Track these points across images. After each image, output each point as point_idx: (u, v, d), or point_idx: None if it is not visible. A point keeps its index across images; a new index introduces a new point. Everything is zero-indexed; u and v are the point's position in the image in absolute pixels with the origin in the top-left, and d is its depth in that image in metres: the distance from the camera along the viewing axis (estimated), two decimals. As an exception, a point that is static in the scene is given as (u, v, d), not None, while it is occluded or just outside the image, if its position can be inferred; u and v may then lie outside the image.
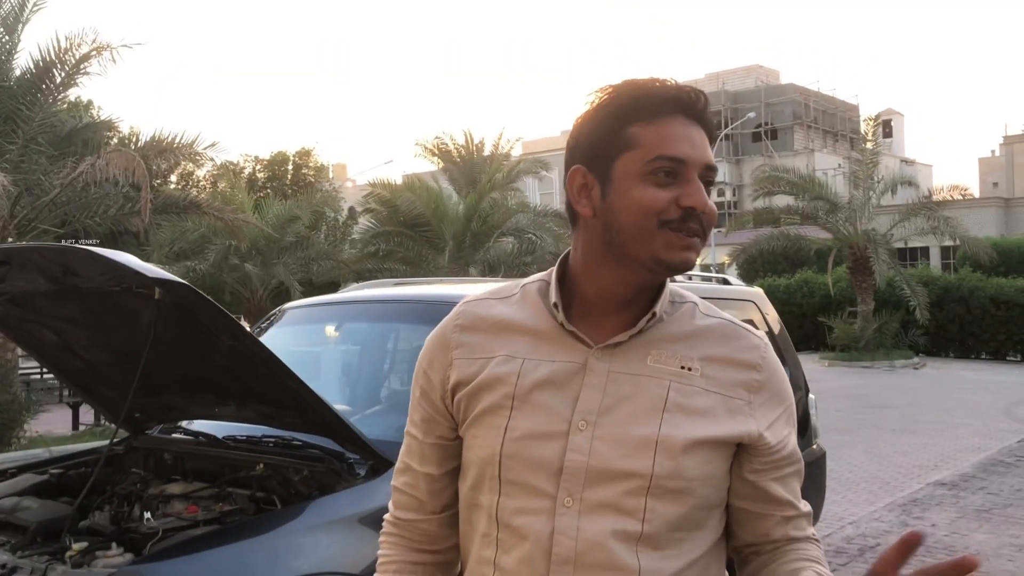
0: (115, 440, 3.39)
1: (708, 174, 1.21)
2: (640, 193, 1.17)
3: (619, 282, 1.22)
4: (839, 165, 32.09)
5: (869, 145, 22.36)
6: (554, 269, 1.28)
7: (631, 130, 1.19)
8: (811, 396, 4.70)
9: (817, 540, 1.30)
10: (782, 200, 21.96)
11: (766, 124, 47.96)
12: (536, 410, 1.19)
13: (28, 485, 3.08)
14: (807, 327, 22.20)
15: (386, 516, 1.40)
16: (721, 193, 45.11)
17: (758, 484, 1.24)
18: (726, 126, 43.02)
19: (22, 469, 3.33)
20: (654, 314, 1.21)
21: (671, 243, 1.17)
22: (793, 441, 1.26)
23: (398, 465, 1.38)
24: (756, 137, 48.66)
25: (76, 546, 2.40)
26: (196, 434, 3.35)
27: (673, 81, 1.22)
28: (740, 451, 1.22)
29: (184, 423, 3.43)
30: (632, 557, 1.14)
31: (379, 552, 1.38)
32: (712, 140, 1.24)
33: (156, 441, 3.38)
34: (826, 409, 4.49)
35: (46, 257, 2.67)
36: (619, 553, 1.14)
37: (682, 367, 1.20)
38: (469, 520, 1.27)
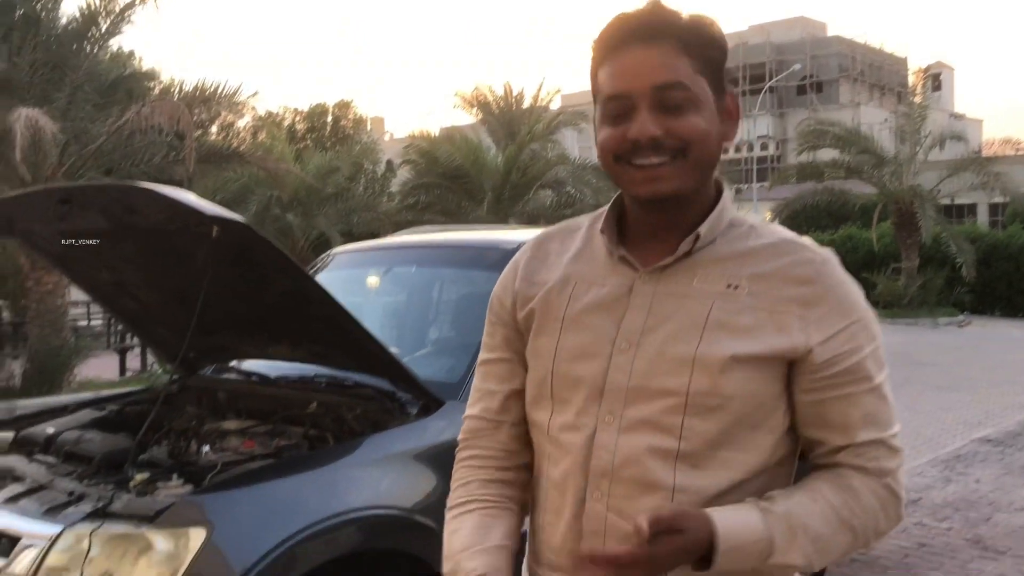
0: (170, 379, 3.47)
1: (662, 95, 1.16)
2: (600, 135, 1.22)
3: (642, 213, 1.25)
4: (885, 120, 31.41)
5: (917, 99, 21.87)
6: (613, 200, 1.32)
7: (598, 77, 1.22)
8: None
9: (879, 474, 1.20)
10: (826, 155, 21.60)
11: (811, 77, 46.97)
12: (583, 332, 1.24)
13: (88, 420, 3.17)
14: (849, 284, 21.91)
15: (460, 445, 1.42)
16: (764, 147, 44.42)
17: (814, 405, 1.20)
18: (770, 78, 42.20)
19: (82, 405, 3.42)
20: (698, 236, 1.21)
21: (632, 177, 1.19)
22: (859, 358, 1.19)
23: (472, 398, 1.42)
24: (801, 90, 47.70)
25: (139, 477, 2.47)
26: (249, 373, 3.41)
27: (631, 10, 1.20)
28: (792, 370, 1.19)
29: (237, 363, 3.49)
30: (668, 473, 1.16)
31: (454, 477, 1.40)
32: (687, 48, 1.17)
33: (209, 380, 3.45)
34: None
35: (106, 196, 2.71)
36: (654, 469, 1.16)
37: (728, 286, 1.19)
38: (534, 437, 1.33)
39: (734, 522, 1.11)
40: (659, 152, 1.16)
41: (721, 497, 1.16)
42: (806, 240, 1.25)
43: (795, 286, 1.18)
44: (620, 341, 1.21)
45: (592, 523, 1.20)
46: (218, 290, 2.80)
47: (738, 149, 44.05)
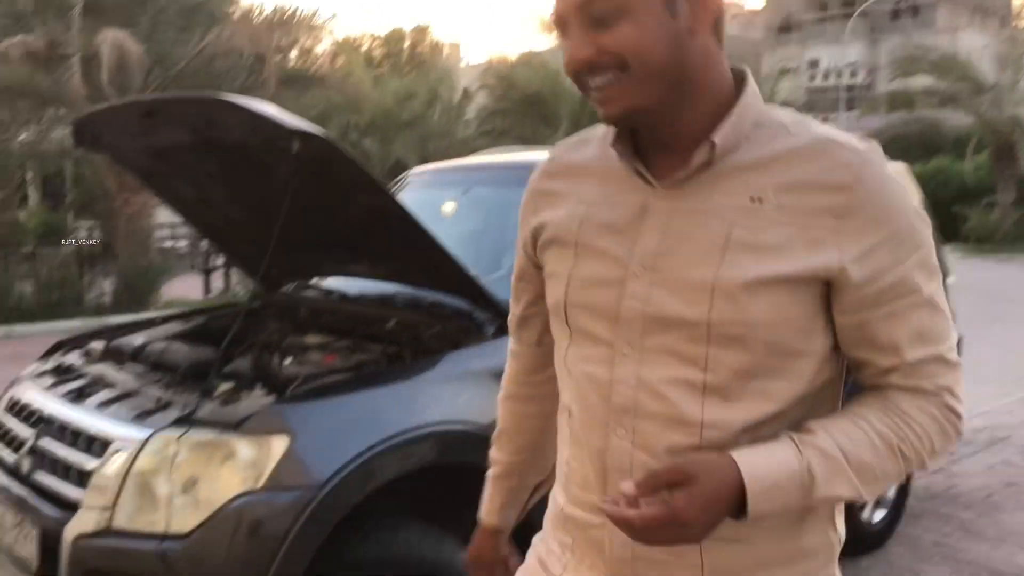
0: (253, 295, 3.53)
1: (588, 10, 1.05)
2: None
3: (639, 129, 1.14)
4: (986, 45, 29.84)
5: (1023, 23, 20.63)
6: None
7: None
8: (950, 280, 4.49)
9: (935, 393, 1.09)
10: (919, 83, 20.68)
11: (907, 0, 44.72)
12: (597, 257, 1.14)
13: (175, 332, 3.26)
14: (940, 217, 21.03)
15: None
16: (854, 75, 42.70)
17: (856, 326, 1.08)
18: (863, 2, 40.32)
19: (168, 319, 3.51)
20: (714, 145, 1.08)
21: (592, 100, 1.10)
22: (904, 269, 1.06)
23: None
24: (895, 15, 45.50)
25: (223, 386, 2.52)
26: (330, 291, 3.44)
27: None
28: (830, 289, 1.07)
29: (318, 280, 3.53)
30: (695, 408, 1.07)
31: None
32: None
33: (291, 297, 3.50)
34: (957, 302, 4.27)
35: (190, 108, 2.73)
36: (680, 403, 1.07)
37: (752, 199, 1.06)
38: (556, 367, 1.28)
39: (762, 459, 1.03)
40: (600, 72, 1.06)
41: (757, 429, 1.07)
42: (845, 136, 1.10)
43: (828, 194, 1.05)
44: (634, 265, 1.10)
45: (617, 460, 1.12)
46: (300, 206, 2.81)
47: (826, 76, 42.47)
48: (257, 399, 2.44)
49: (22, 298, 11.01)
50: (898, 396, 1.09)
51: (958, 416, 1.11)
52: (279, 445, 2.20)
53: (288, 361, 2.77)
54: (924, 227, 1.09)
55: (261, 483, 2.17)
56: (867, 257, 1.04)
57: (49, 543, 2.33)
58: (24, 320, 10.54)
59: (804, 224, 1.04)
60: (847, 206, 1.04)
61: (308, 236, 3.08)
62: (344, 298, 3.35)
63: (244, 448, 2.20)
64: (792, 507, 1.05)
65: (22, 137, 13.03)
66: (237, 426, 2.23)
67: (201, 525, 2.15)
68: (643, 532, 1.00)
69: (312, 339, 2.98)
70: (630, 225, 1.12)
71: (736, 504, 1.01)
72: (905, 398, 1.09)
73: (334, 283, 3.51)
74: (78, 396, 2.68)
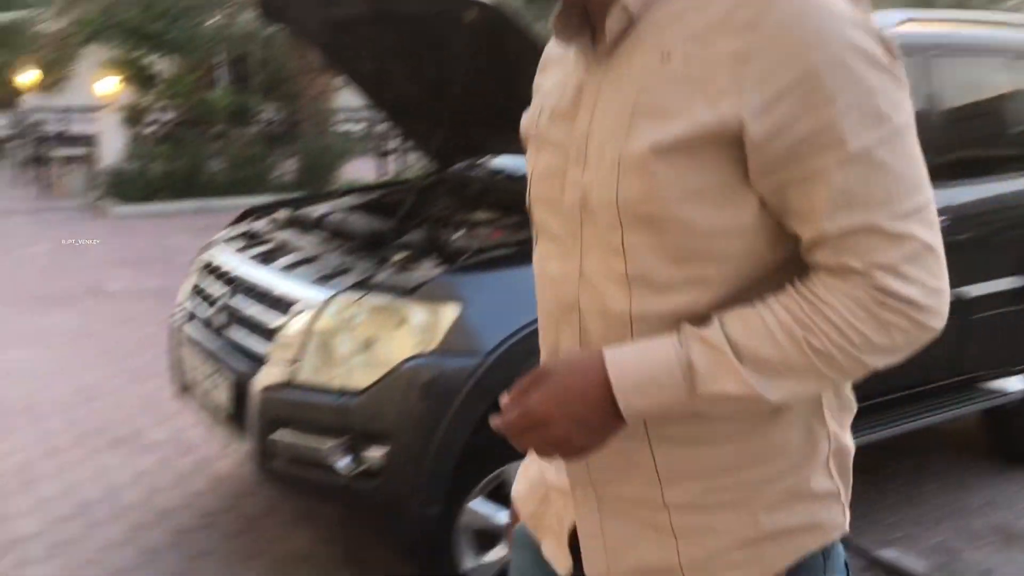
0: (426, 172, 3.61)
1: None
2: None
3: None
4: None
5: None
6: None
7: None
8: None
9: (865, 272, 0.88)
10: None
11: None
12: (549, 148, 1.06)
13: (353, 204, 3.39)
14: None
15: None
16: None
17: (774, 192, 0.92)
18: None
19: (347, 192, 3.65)
20: (625, 7, 0.95)
21: None
22: (825, 118, 0.86)
23: None
24: None
25: (398, 255, 2.61)
26: (497, 170, 3.47)
27: None
28: (744, 151, 0.91)
29: (487, 158, 3.56)
30: (623, 300, 0.97)
31: None
32: None
33: (462, 175, 3.55)
34: None
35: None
36: (608, 296, 0.98)
37: (661, 56, 0.93)
38: None
39: (634, 353, 0.93)
40: None
41: (698, 321, 0.95)
42: None
43: (733, 37, 0.89)
44: (572, 151, 1.02)
45: None
46: (473, 81, 2.81)
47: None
48: (430, 268, 2.51)
49: (213, 174, 11.76)
50: (818, 278, 0.91)
51: (905, 301, 0.88)
52: (450, 312, 2.27)
53: (458, 234, 2.82)
54: (861, 64, 0.88)
55: (432, 347, 2.25)
56: (772, 106, 0.87)
57: (239, 393, 2.53)
58: (215, 195, 11.29)
59: (706, 77, 0.90)
60: (750, 48, 0.88)
61: (480, 113, 3.09)
62: (511, 177, 3.37)
63: (418, 313, 2.29)
64: (678, 405, 0.93)
65: (212, 21, 13.64)
66: (411, 292, 2.32)
67: (376, 383, 2.27)
68: (515, 437, 0.95)
69: (481, 215, 3.02)
70: (571, 109, 1.04)
71: (609, 400, 0.92)
72: (825, 281, 0.91)
73: (502, 162, 3.52)
74: (265, 259, 2.85)
